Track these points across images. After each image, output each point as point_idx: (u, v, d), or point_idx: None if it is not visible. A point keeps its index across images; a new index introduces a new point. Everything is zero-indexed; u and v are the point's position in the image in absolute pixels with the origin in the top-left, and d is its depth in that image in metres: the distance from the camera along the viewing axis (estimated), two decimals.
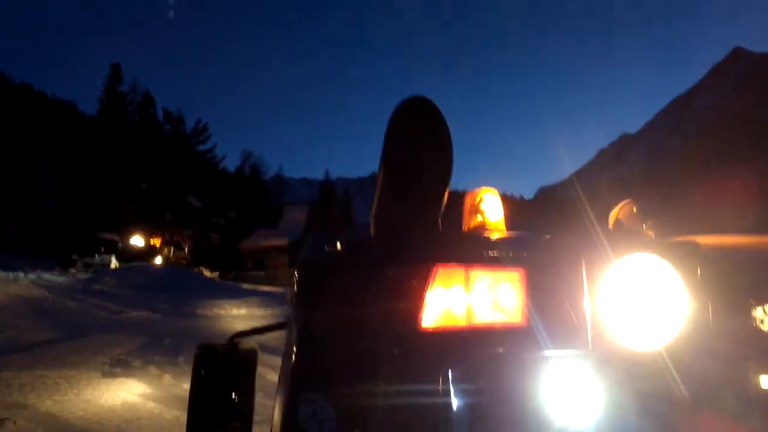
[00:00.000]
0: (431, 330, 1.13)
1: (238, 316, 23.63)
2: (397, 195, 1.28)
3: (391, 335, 1.13)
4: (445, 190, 1.32)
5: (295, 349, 1.19)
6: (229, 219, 56.35)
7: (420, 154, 1.27)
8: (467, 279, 1.15)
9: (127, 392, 11.31)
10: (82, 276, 31.57)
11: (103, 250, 40.52)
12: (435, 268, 1.14)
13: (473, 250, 1.19)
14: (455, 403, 1.11)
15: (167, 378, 12.31)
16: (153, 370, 12.85)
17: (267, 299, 27.83)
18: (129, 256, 40.56)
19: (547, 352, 1.17)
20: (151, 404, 10.65)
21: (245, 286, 37.50)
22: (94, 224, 45.78)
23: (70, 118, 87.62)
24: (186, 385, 11.84)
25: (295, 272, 1.45)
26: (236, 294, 29.12)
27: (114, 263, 37.21)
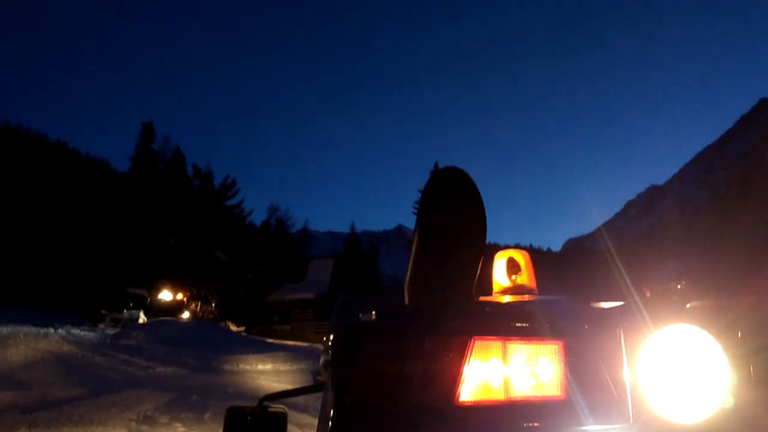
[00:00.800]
0: (469, 404, 1.12)
1: (263, 371, 23.49)
2: (432, 263, 1.30)
3: (428, 408, 1.12)
4: (479, 259, 1.33)
5: (331, 417, 1.19)
6: (256, 273, 56.57)
7: (454, 223, 1.29)
8: (505, 352, 1.15)
9: None
10: (111, 331, 31.76)
11: (131, 305, 40.80)
12: (472, 342, 1.14)
13: (510, 322, 1.18)
14: None
15: None
16: (179, 427, 12.77)
17: (292, 354, 27.67)
18: (157, 310, 40.79)
19: (587, 427, 1.15)
20: None
21: (271, 340, 37.40)
22: (123, 279, 46.29)
23: (102, 176, 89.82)
24: None
25: (331, 338, 1.47)
26: (262, 349, 29.02)
27: (142, 318, 37.41)
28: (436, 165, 61.80)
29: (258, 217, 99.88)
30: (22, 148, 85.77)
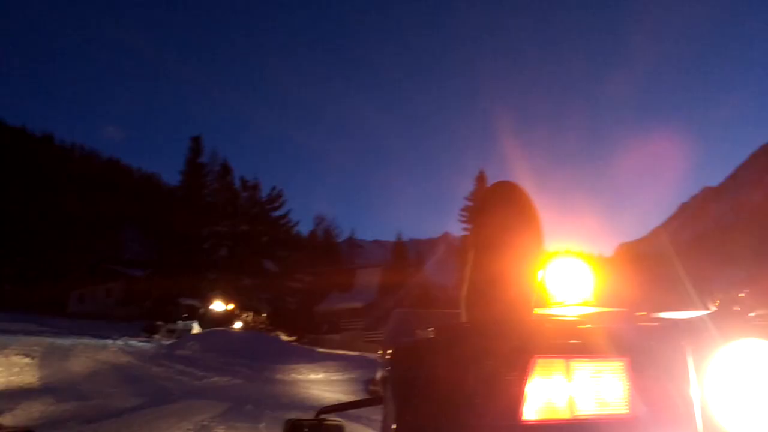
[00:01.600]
0: (533, 423, 1.13)
1: (315, 380, 23.64)
2: (489, 278, 1.31)
3: (490, 427, 1.13)
4: (536, 273, 1.34)
5: None
6: (304, 283, 57.08)
7: (510, 238, 1.31)
8: (568, 370, 1.15)
9: None
10: (166, 341, 32.47)
11: (185, 315, 41.64)
12: (533, 360, 1.14)
13: (572, 339, 1.19)
14: None
15: None
16: None
17: (343, 363, 27.76)
18: (210, 321, 41.52)
19: None
20: None
21: (321, 350, 37.59)
22: (176, 290, 47.32)
23: (154, 190, 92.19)
24: None
25: (387, 353, 1.49)
26: (313, 358, 29.21)
27: (196, 328, 38.13)
28: (481, 172, 61.45)
29: (305, 227, 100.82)
30: (78, 164, 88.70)
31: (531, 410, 1.13)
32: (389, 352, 1.46)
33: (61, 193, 68.22)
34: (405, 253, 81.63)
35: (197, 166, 61.75)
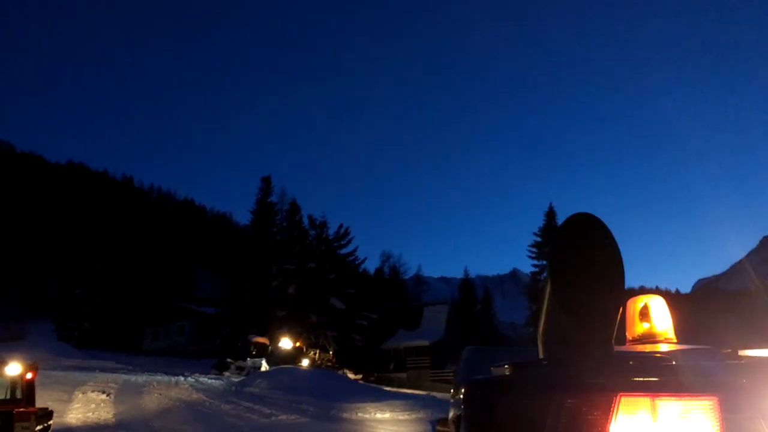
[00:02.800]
0: None
1: (382, 420, 23.37)
2: (569, 314, 1.24)
3: None
4: (618, 309, 1.25)
5: None
6: (371, 320, 57.02)
7: (590, 272, 1.23)
8: (654, 409, 1.06)
9: None
10: (236, 379, 32.91)
11: (254, 353, 42.16)
12: (618, 398, 1.06)
13: (659, 376, 1.10)
14: None
15: None
16: None
17: (410, 402, 27.38)
18: (278, 358, 41.89)
19: None
20: None
21: (388, 388, 37.27)
22: (245, 328, 48.08)
23: (225, 229, 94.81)
24: None
25: (460, 391, 1.42)
26: (379, 397, 28.95)
27: (264, 366, 38.51)
28: (551, 207, 60.42)
29: (371, 265, 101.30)
30: (155, 206, 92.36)
31: None
32: (462, 389, 1.40)
33: (139, 234, 71.01)
34: (472, 290, 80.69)
35: (267, 206, 63.26)
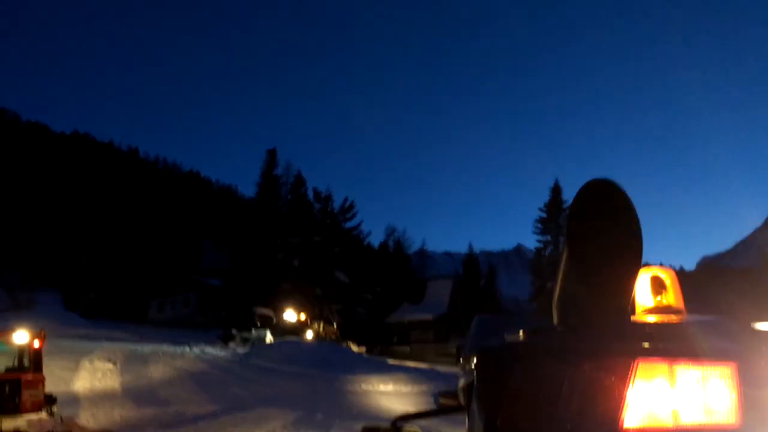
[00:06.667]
0: (633, 430, 1.02)
1: (385, 392, 23.59)
2: (586, 281, 1.20)
3: None
4: (635, 275, 1.22)
5: None
6: (375, 294, 57.32)
7: (607, 239, 1.19)
8: (672, 374, 1.03)
9: None
10: (241, 350, 33.15)
11: (259, 324, 42.43)
12: (636, 363, 1.03)
13: (677, 342, 1.07)
14: None
15: None
16: None
17: (413, 375, 27.62)
18: (282, 330, 42.18)
19: None
20: None
21: (391, 361, 37.56)
22: (250, 300, 48.36)
23: (230, 201, 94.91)
24: None
25: (473, 360, 1.39)
26: (383, 369, 29.21)
27: (269, 338, 38.77)
28: (556, 182, 60.14)
29: (376, 239, 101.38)
30: (160, 177, 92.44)
31: (632, 417, 1.02)
32: (476, 356, 1.37)
33: (145, 205, 71.17)
34: (476, 265, 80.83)
35: (272, 178, 63.16)
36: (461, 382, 1.92)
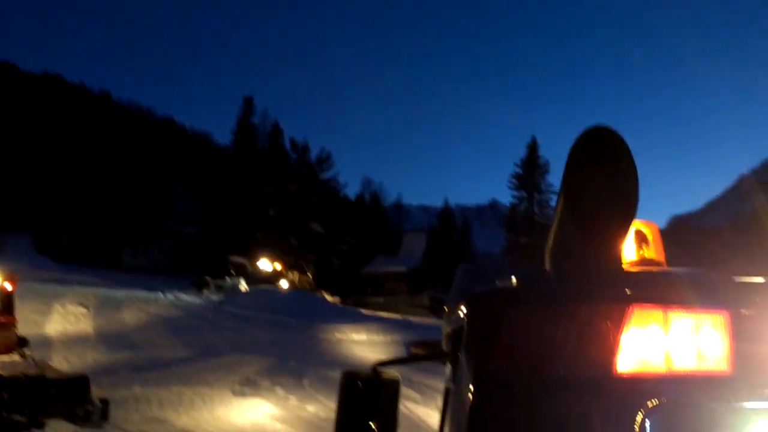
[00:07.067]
0: (627, 375, 1.03)
1: (358, 341, 23.92)
2: (579, 229, 1.20)
3: (581, 379, 1.04)
4: (630, 224, 1.22)
5: (472, 388, 1.13)
6: (350, 245, 57.57)
7: (604, 186, 1.19)
8: (666, 321, 1.05)
9: (256, 412, 11.70)
10: (215, 297, 33.25)
11: (233, 273, 42.50)
12: (630, 309, 1.04)
13: (671, 289, 1.08)
14: None
15: (293, 400, 12.63)
16: (279, 391, 13.24)
17: (386, 326, 28.01)
18: (257, 279, 42.34)
19: (754, 404, 1.04)
20: (278, 426, 10.94)
21: (365, 311, 37.98)
22: (225, 248, 48.28)
23: (205, 149, 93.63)
24: (311, 408, 12.09)
25: (465, 306, 1.40)
26: (356, 319, 29.55)
27: (243, 286, 38.91)
28: (533, 138, 60.24)
29: (352, 191, 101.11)
30: (133, 123, 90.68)
31: (626, 362, 1.04)
32: (465, 302, 1.37)
33: (117, 150, 69.92)
34: (452, 219, 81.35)
35: (248, 127, 62.36)
36: (445, 330, 1.93)
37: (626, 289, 1.07)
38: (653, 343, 1.04)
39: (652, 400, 1.00)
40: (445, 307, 1.99)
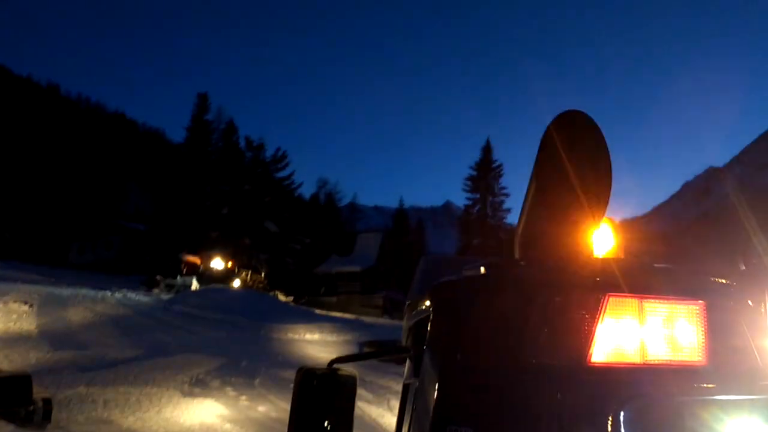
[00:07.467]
0: (601, 365, 1.00)
1: (311, 341, 23.77)
2: (551, 216, 1.16)
3: (555, 368, 1.00)
4: (604, 211, 1.19)
5: (438, 384, 1.07)
6: (304, 245, 57.19)
7: (576, 172, 1.15)
8: (641, 311, 1.02)
9: (206, 412, 11.47)
10: (165, 296, 32.58)
11: (185, 271, 41.75)
12: (606, 298, 1.01)
13: (647, 278, 1.05)
14: None
15: (243, 400, 12.45)
16: (230, 391, 13.03)
17: (339, 325, 27.93)
18: (209, 278, 41.64)
19: (729, 396, 1.02)
20: (227, 426, 10.76)
21: (318, 311, 37.79)
22: (177, 246, 47.39)
23: (158, 145, 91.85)
24: (261, 408, 11.93)
25: (431, 295, 1.34)
26: (310, 319, 29.36)
27: (195, 285, 38.26)
28: (488, 141, 60.94)
29: (307, 190, 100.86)
30: (82, 117, 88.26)
31: (600, 352, 1.00)
32: (431, 292, 1.32)
33: (65, 145, 67.92)
34: (406, 220, 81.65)
35: (203, 123, 61.45)
36: (406, 324, 1.87)
37: (601, 278, 1.04)
38: (628, 333, 1.02)
39: (627, 392, 0.97)
40: (407, 302, 1.94)
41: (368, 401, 12.70)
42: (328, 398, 2.10)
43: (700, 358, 1.02)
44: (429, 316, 1.27)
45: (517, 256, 1.24)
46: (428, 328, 1.26)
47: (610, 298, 1.01)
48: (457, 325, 1.10)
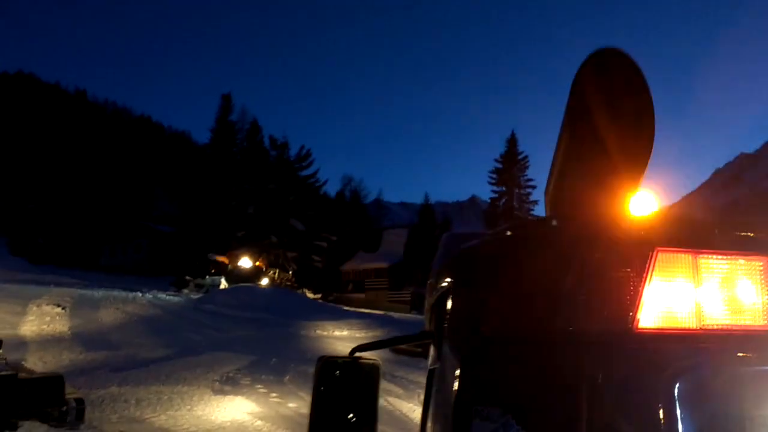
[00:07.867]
0: (650, 331, 0.86)
1: (340, 337, 23.74)
2: (585, 170, 1.03)
3: (596, 336, 0.87)
4: (645, 167, 1.05)
5: (462, 356, 0.96)
6: (331, 242, 57.25)
7: (613, 120, 1.01)
8: (695, 268, 0.88)
9: (236, 410, 11.48)
10: (195, 296, 32.85)
11: (213, 271, 42.09)
12: (654, 254, 0.87)
13: (702, 230, 0.91)
14: (680, 426, 0.82)
15: (274, 397, 12.43)
16: (260, 388, 13.04)
17: (367, 321, 27.84)
18: (237, 277, 41.90)
19: None
20: (258, 423, 10.74)
21: (346, 308, 37.80)
22: (205, 247, 47.80)
23: (184, 147, 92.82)
24: (292, 404, 11.90)
25: (453, 262, 1.22)
26: (338, 316, 29.35)
27: (223, 284, 38.53)
28: (513, 133, 60.32)
29: (332, 188, 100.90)
30: (109, 122, 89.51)
31: (648, 317, 0.87)
32: (453, 260, 1.19)
33: (93, 150, 68.95)
34: (432, 216, 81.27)
35: (227, 124, 61.91)
36: (427, 304, 1.75)
37: (649, 231, 0.90)
38: (681, 293, 0.88)
39: (681, 362, 0.84)
40: (428, 281, 1.82)
41: (398, 396, 12.61)
42: (350, 388, 2.00)
43: (763, 323, 0.89)
44: (450, 289, 1.15)
45: (548, 214, 1.11)
46: (449, 302, 1.15)
47: (659, 254, 0.87)
48: (481, 294, 0.98)
